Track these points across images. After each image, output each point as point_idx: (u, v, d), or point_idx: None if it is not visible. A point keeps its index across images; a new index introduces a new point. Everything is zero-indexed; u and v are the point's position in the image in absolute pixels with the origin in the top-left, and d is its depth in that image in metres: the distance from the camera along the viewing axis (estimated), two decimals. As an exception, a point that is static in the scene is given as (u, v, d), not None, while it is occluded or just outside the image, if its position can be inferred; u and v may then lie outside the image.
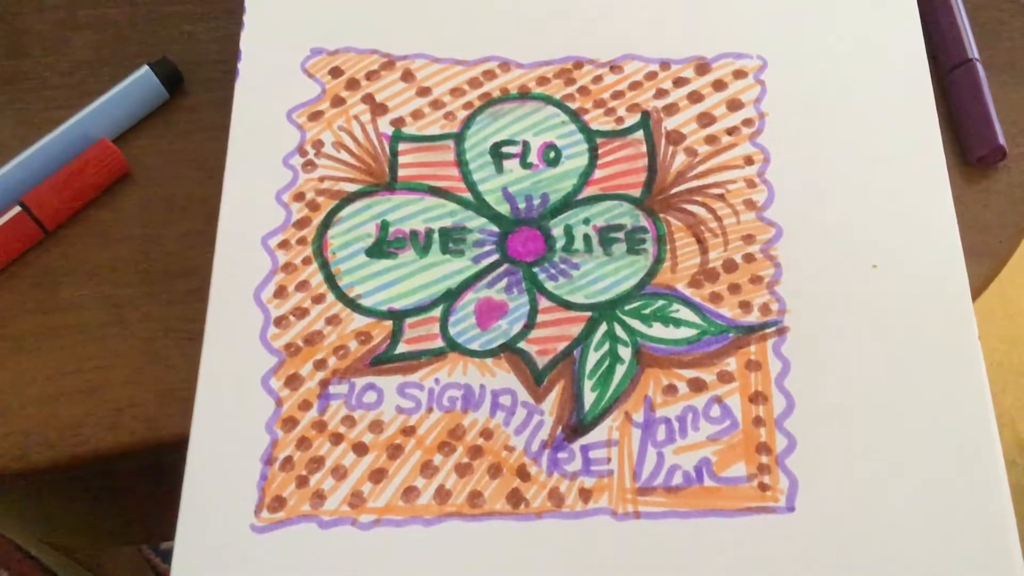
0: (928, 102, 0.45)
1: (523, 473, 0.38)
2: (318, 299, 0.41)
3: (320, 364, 0.40)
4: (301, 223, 0.42)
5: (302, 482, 0.38)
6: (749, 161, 0.43)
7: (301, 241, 0.42)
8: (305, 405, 0.39)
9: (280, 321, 0.40)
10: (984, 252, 0.46)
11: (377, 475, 0.38)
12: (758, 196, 0.43)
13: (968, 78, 0.49)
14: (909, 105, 0.45)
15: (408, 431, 0.39)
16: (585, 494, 0.37)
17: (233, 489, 0.37)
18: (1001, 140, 0.48)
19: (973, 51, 0.50)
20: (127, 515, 0.55)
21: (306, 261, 0.41)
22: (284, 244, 0.42)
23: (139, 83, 0.49)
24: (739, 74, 0.45)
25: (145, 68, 0.49)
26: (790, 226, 0.42)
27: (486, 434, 0.38)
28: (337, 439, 0.39)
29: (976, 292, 0.43)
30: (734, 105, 0.45)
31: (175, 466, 0.38)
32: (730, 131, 0.44)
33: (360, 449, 0.38)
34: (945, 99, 0.49)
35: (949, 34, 0.50)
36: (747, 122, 0.44)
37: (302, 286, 0.41)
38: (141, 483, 0.52)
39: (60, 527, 0.56)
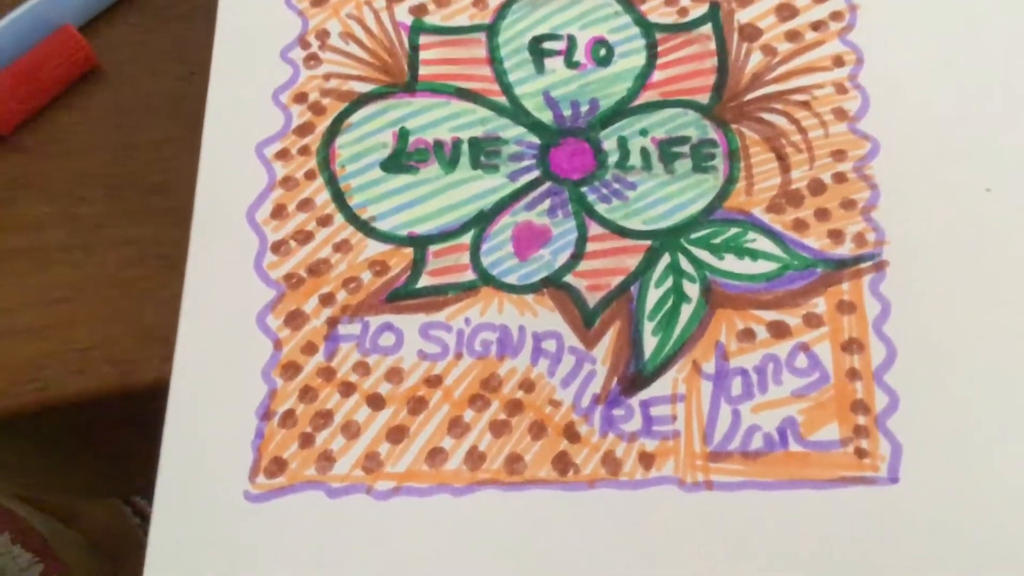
0: (1051, -6, 0.42)
1: (571, 433, 0.35)
2: (324, 221, 0.39)
3: (327, 299, 0.38)
4: (303, 129, 0.40)
5: (306, 441, 0.36)
6: (839, 62, 0.40)
7: (303, 151, 0.40)
8: (309, 348, 0.37)
9: (279, 247, 0.38)
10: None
11: (396, 434, 0.36)
12: (850, 104, 0.40)
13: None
14: (1028, -4, 0.42)
15: (433, 381, 0.36)
16: (646, 459, 0.35)
17: (223, 449, 0.36)
18: None
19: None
20: (103, 465, 0.55)
21: (309, 175, 0.39)
22: (283, 154, 0.40)
23: (110, -40, 0.47)
24: (826, -43, 0.43)
25: (117, -59, 0.48)
26: (888, 140, 0.39)
27: (526, 386, 0.36)
28: (348, 389, 0.36)
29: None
30: (821, -6, 0.42)
31: (155, 415, 0.36)
32: (816, 26, 0.41)
33: (375, 402, 0.36)
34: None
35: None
36: (836, 15, 0.41)
37: (305, 205, 0.39)
38: (118, 431, 0.50)
39: (27, 478, 0.56)
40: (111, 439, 0.48)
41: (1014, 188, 0.38)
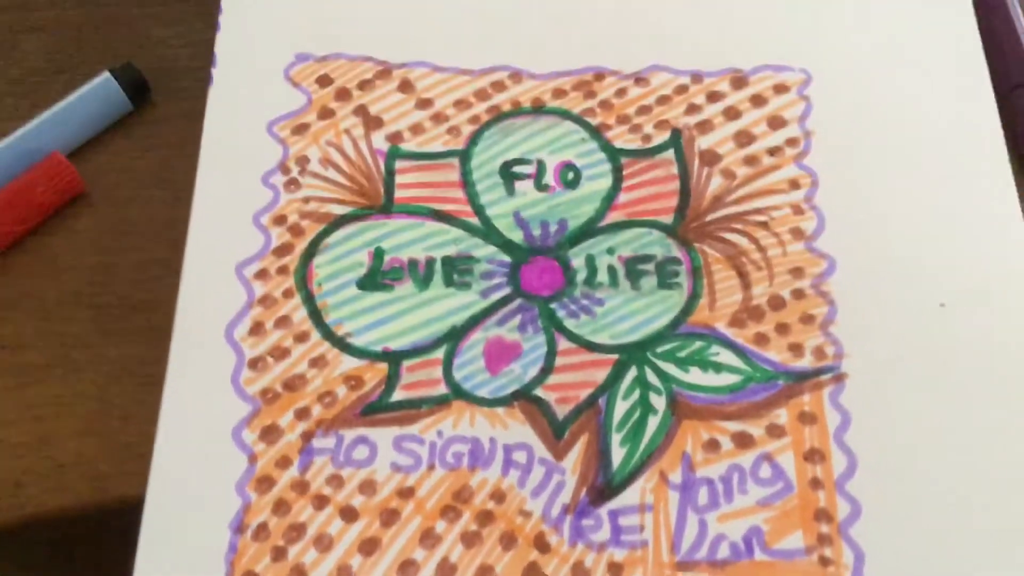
0: (992, 120, 0.42)
1: (542, 544, 0.35)
2: (301, 338, 0.39)
3: (302, 414, 0.37)
4: (282, 250, 0.40)
5: (279, 554, 0.35)
6: (795, 185, 0.41)
7: (282, 271, 0.40)
8: (284, 462, 0.36)
9: (256, 363, 0.38)
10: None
11: (369, 546, 0.35)
12: (806, 224, 0.40)
13: (1032, 99, 0.45)
14: (971, 123, 0.42)
15: (405, 493, 0.36)
16: (615, 569, 0.35)
17: (196, 563, 0.35)
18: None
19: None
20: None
21: (287, 293, 0.39)
22: (262, 274, 0.40)
23: (99, 91, 0.46)
24: (780, 88, 0.43)
25: (106, 74, 0.47)
26: (844, 258, 0.40)
27: (498, 496, 0.36)
28: (321, 502, 0.36)
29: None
30: (776, 123, 0.42)
31: (132, 530, 0.35)
32: (772, 151, 0.42)
33: (349, 514, 0.36)
34: (1010, 123, 0.44)
35: (1012, 52, 0.46)
36: (791, 141, 0.42)
37: (282, 322, 0.39)
38: (98, 546, 0.45)
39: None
40: (91, 555, 0.44)
41: (966, 303, 0.38)
